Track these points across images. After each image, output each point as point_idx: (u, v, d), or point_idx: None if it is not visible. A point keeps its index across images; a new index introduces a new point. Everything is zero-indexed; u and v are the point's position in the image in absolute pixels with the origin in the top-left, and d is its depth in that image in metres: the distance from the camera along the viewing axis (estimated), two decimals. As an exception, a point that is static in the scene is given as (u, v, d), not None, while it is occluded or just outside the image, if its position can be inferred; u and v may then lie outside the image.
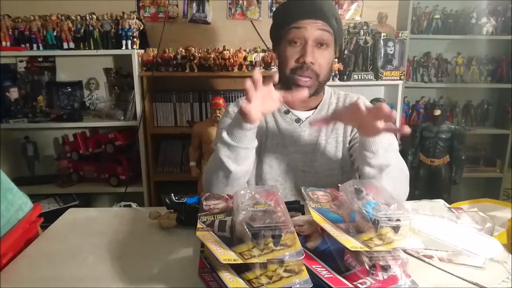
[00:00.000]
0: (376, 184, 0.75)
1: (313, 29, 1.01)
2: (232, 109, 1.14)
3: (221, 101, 2.04)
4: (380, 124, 0.78)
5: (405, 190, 1.00)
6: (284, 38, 1.05)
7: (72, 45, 2.27)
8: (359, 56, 2.46)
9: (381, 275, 0.60)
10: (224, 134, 0.90)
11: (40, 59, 2.47)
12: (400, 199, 0.94)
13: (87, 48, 2.28)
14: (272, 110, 0.86)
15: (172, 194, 0.89)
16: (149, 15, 2.51)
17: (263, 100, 0.83)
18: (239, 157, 0.91)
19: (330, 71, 1.10)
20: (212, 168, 0.97)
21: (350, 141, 1.12)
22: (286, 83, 1.06)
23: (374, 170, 0.90)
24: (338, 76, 2.40)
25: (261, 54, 2.33)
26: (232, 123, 0.90)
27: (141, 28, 2.34)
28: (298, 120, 1.13)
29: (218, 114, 2.01)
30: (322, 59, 1.03)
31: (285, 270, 0.58)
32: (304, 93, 0.88)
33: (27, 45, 2.25)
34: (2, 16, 2.26)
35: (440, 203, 0.97)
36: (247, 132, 0.87)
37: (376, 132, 0.80)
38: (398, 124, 2.49)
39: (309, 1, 1.04)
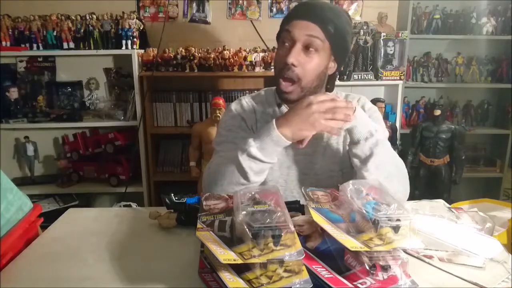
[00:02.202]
0: (376, 184, 0.75)
1: (301, 31, 0.97)
2: (235, 108, 1.13)
3: (221, 101, 2.05)
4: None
5: (402, 189, 0.98)
6: (279, 40, 1.05)
7: (72, 45, 2.27)
8: (359, 56, 2.46)
9: (381, 275, 0.60)
10: (254, 149, 0.89)
11: (40, 59, 2.47)
12: (400, 199, 0.94)
13: (87, 48, 2.28)
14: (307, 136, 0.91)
15: (172, 194, 0.89)
16: (149, 15, 2.51)
17: None
18: (262, 170, 0.93)
19: (320, 80, 1.03)
20: (222, 172, 0.95)
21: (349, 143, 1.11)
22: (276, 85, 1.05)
23: (358, 161, 0.94)
24: (338, 76, 2.40)
25: (261, 54, 2.32)
26: (265, 138, 0.89)
27: (141, 28, 2.34)
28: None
29: (218, 114, 2.01)
30: (307, 63, 0.98)
31: (285, 270, 0.58)
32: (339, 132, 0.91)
33: (27, 45, 2.26)
34: (2, 16, 2.26)
35: (440, 203, 0.97)
36: (279, 149, 0.91)
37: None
38: (398, 123, 2.50)
39: (308, 4, 1.02)
